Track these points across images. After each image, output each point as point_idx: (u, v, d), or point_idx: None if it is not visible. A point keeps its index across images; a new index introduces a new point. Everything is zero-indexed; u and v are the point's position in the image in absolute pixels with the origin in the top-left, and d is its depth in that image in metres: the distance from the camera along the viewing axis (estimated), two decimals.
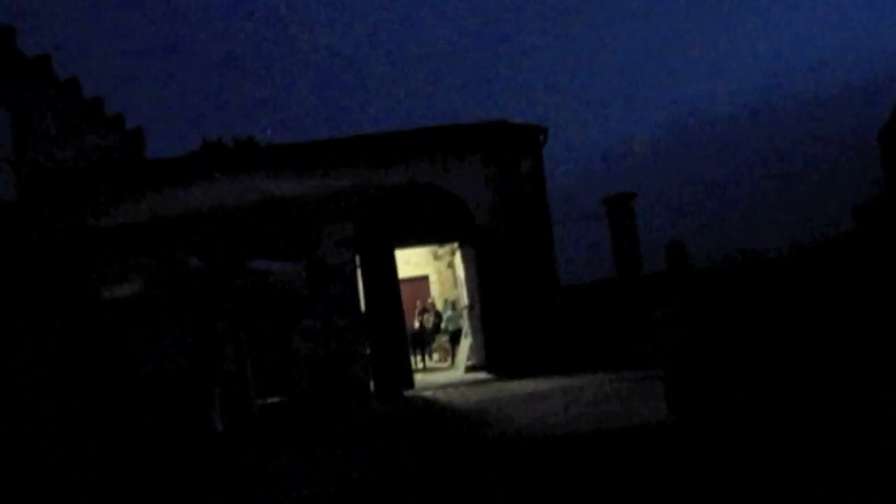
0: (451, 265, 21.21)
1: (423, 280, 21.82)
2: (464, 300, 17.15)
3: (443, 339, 19.49)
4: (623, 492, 5.29)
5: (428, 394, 13.23)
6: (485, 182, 14.95)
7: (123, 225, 9.78)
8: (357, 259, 14.44)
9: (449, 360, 19.03)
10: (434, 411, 10.69)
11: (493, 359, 14.84)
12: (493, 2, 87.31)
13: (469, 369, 16.01)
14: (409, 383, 14.23)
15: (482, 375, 14.96)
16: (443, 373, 17.29)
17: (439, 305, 19.67)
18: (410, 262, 19.91)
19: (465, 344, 16.63)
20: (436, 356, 20.47)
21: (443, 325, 19.15)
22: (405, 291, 15.49)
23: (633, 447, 6.65)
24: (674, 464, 5.75)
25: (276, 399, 12.60)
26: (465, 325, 17.06)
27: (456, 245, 17.83)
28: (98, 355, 8.03)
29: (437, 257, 21.59)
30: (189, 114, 65.41)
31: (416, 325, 19.11)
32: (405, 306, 15.24)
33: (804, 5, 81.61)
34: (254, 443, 7.64)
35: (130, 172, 13.72)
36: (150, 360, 7.92)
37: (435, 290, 21.56)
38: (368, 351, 14.35)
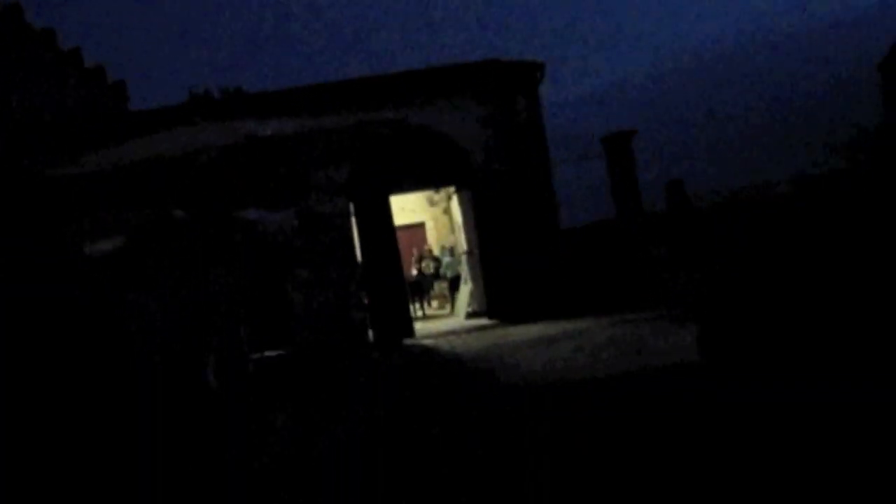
0: (447, 211, 20.77)
1: (420, 227, 21.40)
2: (462, 245, 16.77)
3: (442, 286, 19.18)
4: (656, 440, 4.98)
5: (429, 342, 12.95)
6: (480, 122, 14.41)
7: (101, 172, 9.20)
8: (351, 206, 14.00)
9: (448, 306, 18.75)
10: (437, 360, 10.40)
11: (493, 304, 14.53)
12: None
13: (470, 315, 15.72)
14: (410, 332, 13.94)
15: (483, 321, 14.67)
16: (443, 320, 17.02)
17: (436, 252, 19.27)
18: (406, 208, 19.47)
19: (465, 290, 16.31)
20: (435, 303, 20.21)
21: (441, 272, 18.80)
22: (401, 239, 15.07)
23: (655, 391, 6.34)
24: (706, 409, 5.44)
25: (273, 353, 12.30)
26: (465, 270, 16.72)
27: (452, 189, 17.36)
28: (84, 321, 7.64)
29: (433, 203, 21.14)
30: (174, 64, 63.94)
31: (414, 272, 18.76)
32: (402, 254, 14.85)
33: None
34: (249, 401, 7.33)
35: (109, 122, 13.14)
36: (138, 321, 7.54)
37: (432, 237, 21.15)
38: (366, 300, 14.02)
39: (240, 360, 7.21)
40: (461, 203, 15.76)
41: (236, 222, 7.55)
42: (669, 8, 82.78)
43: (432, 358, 10.77)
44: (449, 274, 18.16)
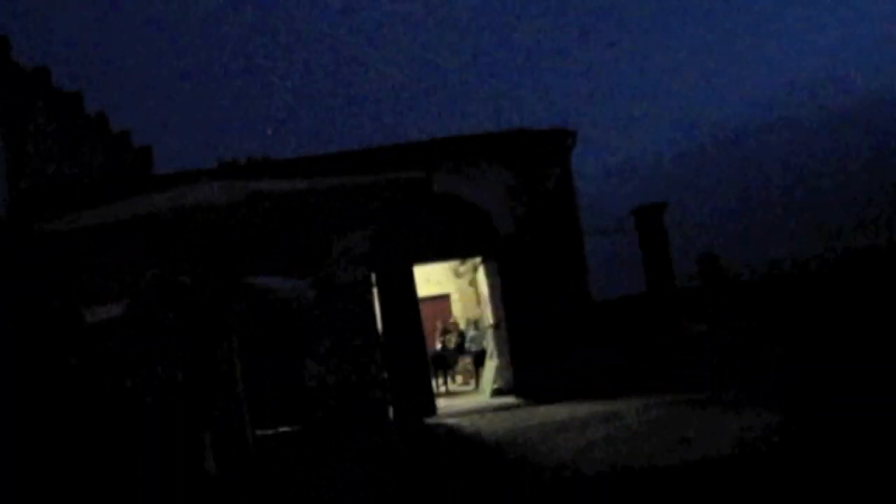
0: (472, 283, 20.13)
1: (444, 299, 20.73)
2: (488, 319, 16.06)
3: (466, 361, 18.37)
4: None
5: (452, 421, 12.15)
6: (508, 191, 13.89)
7: (98, 228, 8.62)
8: (373, 276, 13.43)
9: (473, 382, 17.92)
10: (461, 444, 9.61)
11: (520, 381, 13.72)
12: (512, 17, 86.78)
13: (495, 393, 14.89)
14: (432, 410, 13.13)
15: (510, 400, 13.84)
16: (466, 397, 16.18)
17: (461, 325, 18.54)
18: (431, 279, 18.86)
19: (491, 366, 15.52)
20: (459, 378, 19.37)
21: (466, 346, 18.04)
22: (425, 311, 14.40)
23: (698, 486, 5.54)
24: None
25: (286, 429, 11.58)
26: (490, 345, 15.96)
27: (479, 260, 16.77)
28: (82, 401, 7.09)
29: (458, 275, 20.52)
30: (202, 133, 65.02)
31: (438, 346, 18.02)
32: (425, 327, 14.16)
33: (822, 16, 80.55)
34: (250, 488, 6.60)
35: (113, 180, 12.78)
36: (137, 394, 6.93)
37: (457, 309, 20.45)
38: (386, 375, 13.29)
39: (240, 440, 6.53)
40: (487, 274, 15.13)
41: (242, 289, 6.98)
42: (689, 85, 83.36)
43: (455, 440, 9.97)
44: (473, 348, 17.40)
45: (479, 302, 19.14)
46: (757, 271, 20.45)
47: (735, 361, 15.61)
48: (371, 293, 13.27)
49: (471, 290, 20.38)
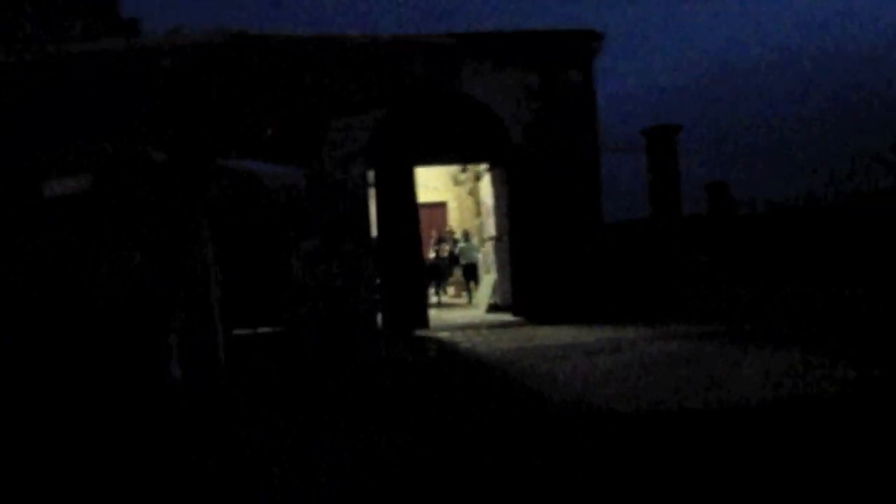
0: (472, 192, 19.14)
1: (441, 207, 19.77)
2: (489, 230, 15.13)
3: (459, 273, 17.59)
4: None
5: (444, 335, 11.37)
6: (525, 95, 12.70)
7: (58, 68, 6.99)
8: (370, 175, 12.39)
9: (465, 294, 17.18)
10: (455, 362, 8.80)
11: (520, 299, 12.92)
12: None
13: (491, 308, 14.13)
14: (424, 322, 12.34)
15: (507, 317, 13.08)
16: (460, 310, 15.43)
17: (458, 235, 17.64)
18: (428, 185, 17.84)
19: (489, 280, 14.71)
20: (451, 290, 18.64)
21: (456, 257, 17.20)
22: (420, 218, 13.44)
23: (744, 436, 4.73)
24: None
25: (267, 329, 10.75)
26: (490, 258, 15.11)
27: (483, 168, 15.71)
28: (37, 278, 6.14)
29: (458, 182, 19.49)
30: (196, 7, 62.00)
31: (432, 255, 17.17)
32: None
33: None
34: (221, 398, 5.77)
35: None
36: (97, 284, 5.99)
37: (454, 218, 19.53)
38: (378, 281, 12.44)
39: (211, 345, 5.66)
40: (494, 183, 14.11)
41: (221, 172, 5.97)
42: (696, 18, 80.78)
43: (449, 357, 9.19)
44: (463, 261, 16.57)
45: (478, 213, 18.22)
46: (758, 207, 19.68)
47: (739, 293, 14.95)
48: (368, 191, 12.25)
49: (470, 199, 19.43)
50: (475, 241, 16.96)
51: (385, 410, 6.03)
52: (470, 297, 16.71)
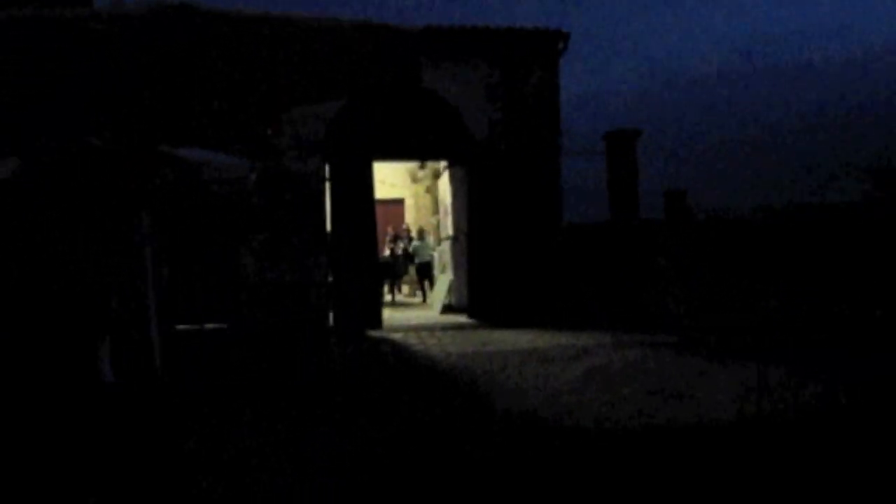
0: (430, 189, 18.84)
1: (398, 204, 19.43)
2: (447, 230, 14.84)
3: (413, 271, 17.27)
4: None
5: (398, 336, 11.04)
6: (487, 92, 12.45)
7: None
8: (326, 168, 11.98)
9: (419, 293, 16.87)
10: (409, 365, 8.48)
11: (476, 301, 12.65)
12: None
13: (446, 309, 13.84)
14: (377, 321, 11.98)
15: (462, 319, 12.79)
16: (414, 310, 15.10)
17: (414, 233, 17.33)
18: (385, 182, 17.51)
19: (444, 280, 14.41)
20: (406, 289, 18.31)
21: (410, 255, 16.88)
22: (377, 215, 13.06)
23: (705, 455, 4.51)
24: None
25: (213, 326, 10.30)
26: (446, 257, 14.82)
27: (441, 166, 15.42)
28: None
29: (415, 179, 19.18)
30: None
31: (387, 252, 16.81)
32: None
33: None
34: (155, 398, 5.35)
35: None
36: (23, 277, 5.52)
37: (411, 215, 19.20)
38: (330, 279, 12.04)
39: (145, 344, 5.25)
40: (452, 181, 13.82)
41: (164, 160, 5.55)
42: (663, 24, 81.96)
43: (402, 359, 8.86)
44: (417, 260, 16.25)
45: (435, 210, 17.93)
46: (716, 214, 19.73)
47: (697, 302, 14.89)
48: (323, 185, 11.84)
49: (427, 197, 19.13)
50: (430, 239, 16.67)
51: (322, 418, 5.68)
52: (424, 297, 16.41)
